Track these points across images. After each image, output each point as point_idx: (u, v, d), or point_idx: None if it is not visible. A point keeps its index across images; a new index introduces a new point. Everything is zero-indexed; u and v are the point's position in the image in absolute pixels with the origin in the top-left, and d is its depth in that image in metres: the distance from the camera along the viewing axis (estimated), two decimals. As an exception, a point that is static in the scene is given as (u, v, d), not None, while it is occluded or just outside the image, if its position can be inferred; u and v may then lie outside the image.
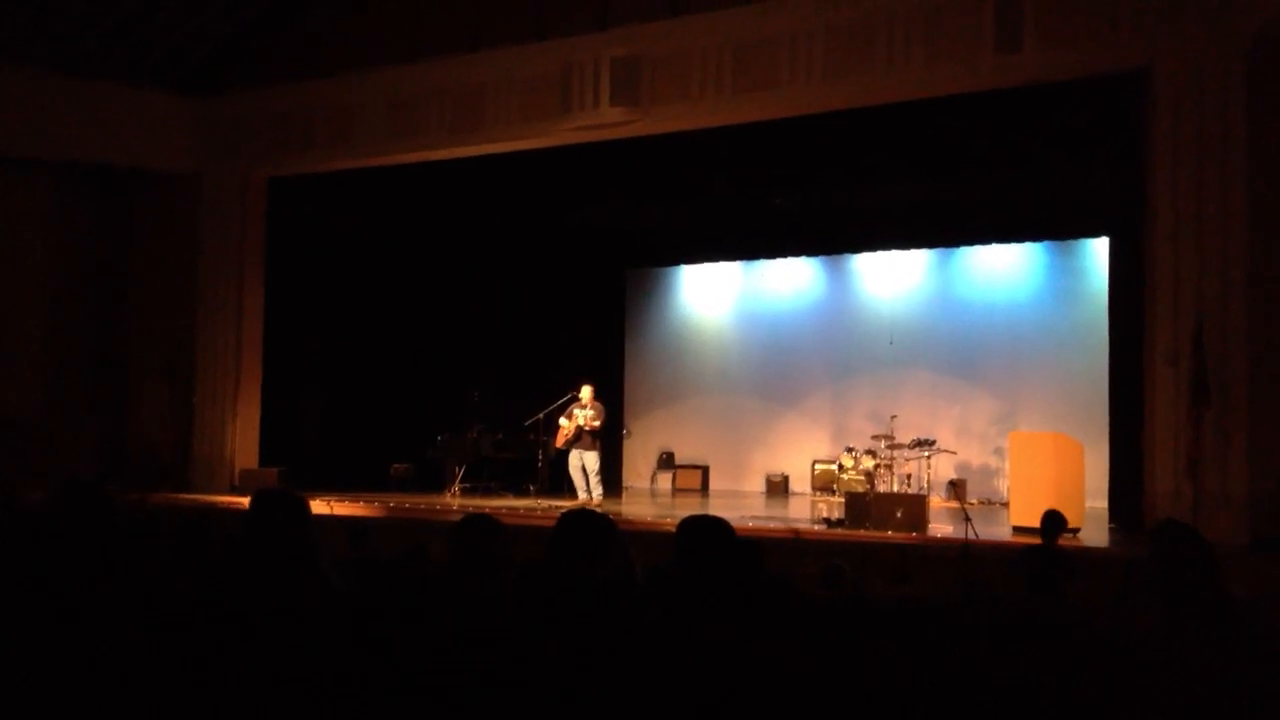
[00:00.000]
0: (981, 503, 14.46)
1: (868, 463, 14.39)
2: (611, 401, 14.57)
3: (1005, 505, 12.91)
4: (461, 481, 14.29)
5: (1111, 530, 10.98)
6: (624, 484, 17.12)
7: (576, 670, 2.75)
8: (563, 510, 3.53)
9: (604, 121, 12.16)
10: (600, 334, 17.57)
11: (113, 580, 3.43)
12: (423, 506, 12.58)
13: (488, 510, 12.18)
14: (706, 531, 3.35)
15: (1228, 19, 9.47)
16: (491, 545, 3.35)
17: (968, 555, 8.42)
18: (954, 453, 14.58)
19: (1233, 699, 2.59)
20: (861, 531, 10.35)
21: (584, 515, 3.47)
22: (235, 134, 14.67)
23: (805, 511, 13.56)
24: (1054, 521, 7.38)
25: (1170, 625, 2.73)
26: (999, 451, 14.64)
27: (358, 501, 12.46)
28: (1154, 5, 9.74)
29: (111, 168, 14.71)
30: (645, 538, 9.90)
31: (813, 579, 6.13)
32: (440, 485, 14.35)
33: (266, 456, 14.53)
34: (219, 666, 3.13)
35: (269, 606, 3.26)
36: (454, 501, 13.46)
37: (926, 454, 13.95)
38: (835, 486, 15.00)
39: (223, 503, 12.61)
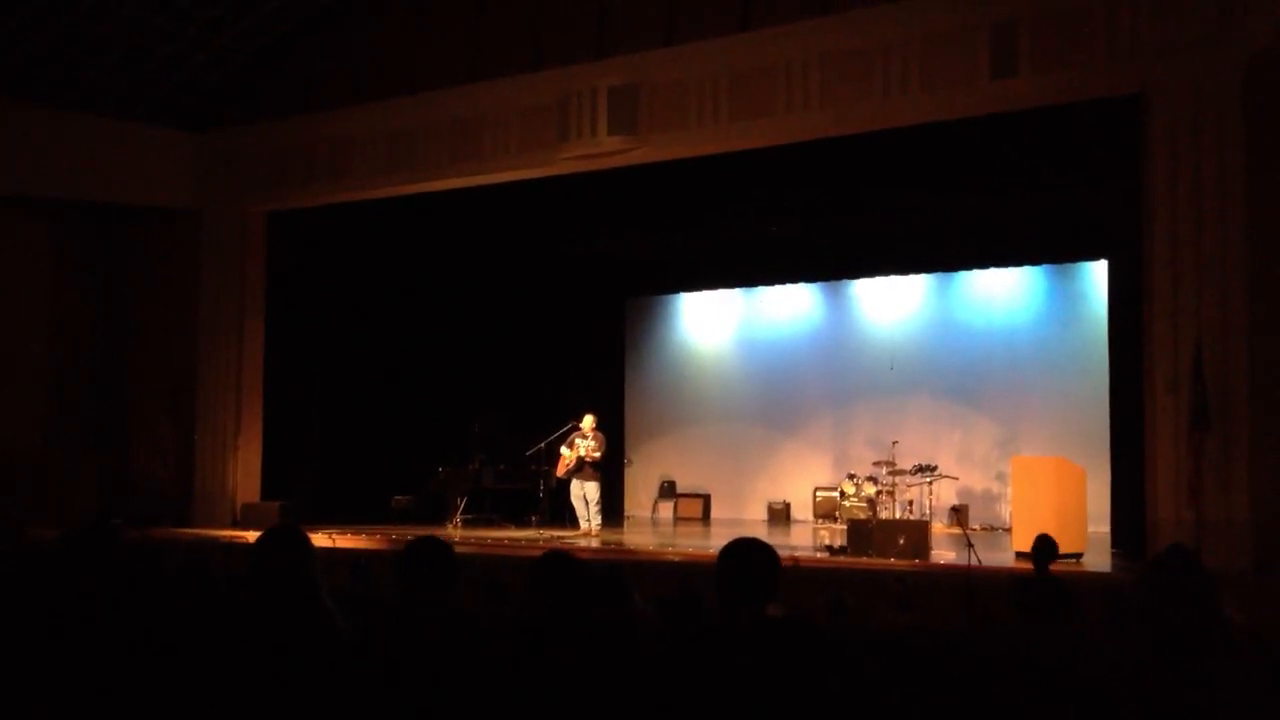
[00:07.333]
0: (984, 528, 14.39)
1: (869, 489, 14.39)
2: (612, 430, 14.56)
3: (1008, 531, 12.86)
4: (463, 513, 14.27)
5: (1114, 555, 10.93)
6: (625, 513, 17.06)
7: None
8: (556, 541, 3.51)
9: (602, 150, 12.19)
10: (601, 363, 17.56)
11: (118, 615, 3.44)
12: (424, 538, 12.53)
13: (490, 541, 12.21)
14: (752, 557, 3.30)
15: (1223, 43, 9.47)
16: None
17: (970, 582, 8.37)
18: (956, 478, 14.54)
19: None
20: (864, 559, 10.31)
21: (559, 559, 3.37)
22: (234, 169, 14.73)
23: (808, 539, 13.52)
24: (1044, 547, 7.25)
25: (1164, 653, 2.72)
26: (1001, 476, 14.59)
27: (359, 534, 12.44)
28: (1148, 30, 9.76)
29: (110, 204, 14.74)
30: (648, 568, 9.91)
31: (817, 608, 6.10)
32: (442, 517, 14.32)
33: (268, 490, 14.51)
34: (220, 701, 3.13)
35: (272, 644, 3.26)
36: (456, 533, 13.43)
37: (928, 480, 13.92)
38: (837, 513, 14.96)
39: (225, 537, 12.58)
